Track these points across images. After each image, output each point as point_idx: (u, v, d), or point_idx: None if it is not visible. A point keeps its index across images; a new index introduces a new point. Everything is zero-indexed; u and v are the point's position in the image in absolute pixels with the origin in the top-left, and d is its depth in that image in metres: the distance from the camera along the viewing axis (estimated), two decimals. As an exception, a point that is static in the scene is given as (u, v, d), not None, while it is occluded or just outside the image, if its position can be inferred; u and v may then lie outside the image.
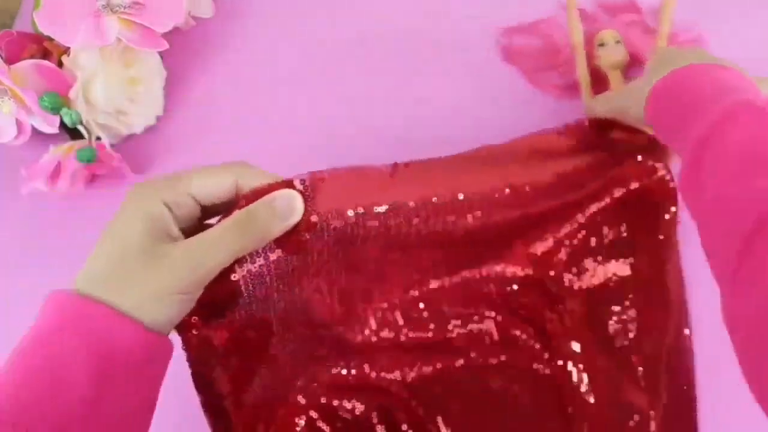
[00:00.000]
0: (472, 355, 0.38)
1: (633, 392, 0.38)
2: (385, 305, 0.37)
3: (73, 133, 0.51)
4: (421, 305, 0.38)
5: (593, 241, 0.40)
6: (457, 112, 0.52)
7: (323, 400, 0.36)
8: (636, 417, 0.38)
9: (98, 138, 0.50)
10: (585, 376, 0.37)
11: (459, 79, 0.54)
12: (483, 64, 0.56)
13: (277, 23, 0.59)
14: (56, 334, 0.27)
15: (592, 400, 0.37)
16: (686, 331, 0.40)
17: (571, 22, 0.52)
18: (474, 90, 0.53)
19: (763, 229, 0.25)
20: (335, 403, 0.36)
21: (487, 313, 0.38)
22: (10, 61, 0.48)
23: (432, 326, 0.38)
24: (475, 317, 0.38)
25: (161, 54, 0.54)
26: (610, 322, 0.39)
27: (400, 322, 0.37)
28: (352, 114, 0.54)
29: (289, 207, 0.31)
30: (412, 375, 0.37)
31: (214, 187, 0.31)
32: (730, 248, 0.27)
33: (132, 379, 0.29)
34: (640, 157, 0.40)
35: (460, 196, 0.37)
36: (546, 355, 0.38)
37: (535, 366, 0.38)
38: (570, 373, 0.38)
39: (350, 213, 0.34)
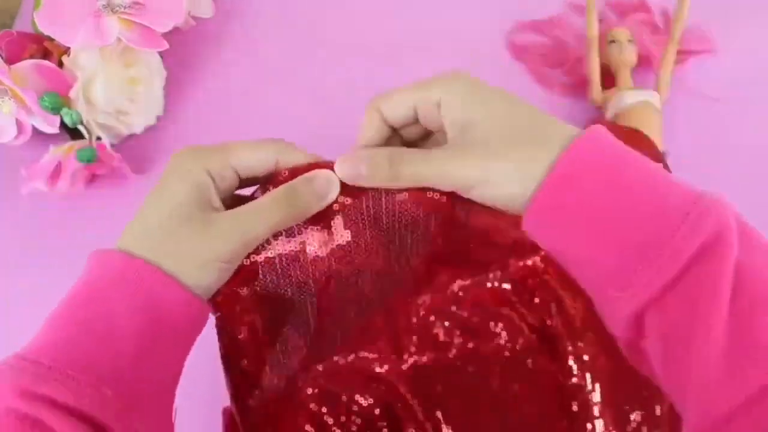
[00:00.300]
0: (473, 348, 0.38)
1: (636, 391, 0.38)
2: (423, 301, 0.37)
3: (74, 133, 0.51)
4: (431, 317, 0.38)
5: None
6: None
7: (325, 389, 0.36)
8: (639, 414, 0.38)
9: (98, 138, 0.50)
10: (588, 375, 0.37)
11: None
12: (488, 60, 0.56)
13: (277, 23, 0.59)
14: (107, 291, 0.28)
15: (597, 399, 0.37)
16: None
17: (589, 15, 0.52)
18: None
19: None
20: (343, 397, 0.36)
21: (492, 314, 0.38)
22: (10, 61, 0.48)
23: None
24: (475, 318, 0.38)
25: (161, 54, 0.54)
26: None
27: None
28: (354, 114, 0.54)
29: (327, 186, 0.31)
30: (410, 362, 0.37)
31: (257, 163, 0.32)
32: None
33: (175, 341, 0.30)
34: None
35: None
36: (549, 353, 0.38)
37: (538, 365, 0.38)
38: (572, 368, 0.38)
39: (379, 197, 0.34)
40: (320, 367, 0.36)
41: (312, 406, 0.36)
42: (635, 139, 0.41)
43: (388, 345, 0.37)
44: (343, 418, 0.36)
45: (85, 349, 0.27)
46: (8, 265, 0.51)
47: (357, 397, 0.36)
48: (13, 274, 0.51)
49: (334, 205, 0.33)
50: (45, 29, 0.48)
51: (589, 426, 0.37)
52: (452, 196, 0.32)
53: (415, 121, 0.32)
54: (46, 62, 0.49)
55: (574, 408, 0.38)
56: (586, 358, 0.38)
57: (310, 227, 0.33)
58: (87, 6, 0.48)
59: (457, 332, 0.38)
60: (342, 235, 0.34)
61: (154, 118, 0.54)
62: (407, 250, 0.36)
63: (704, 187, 0.47)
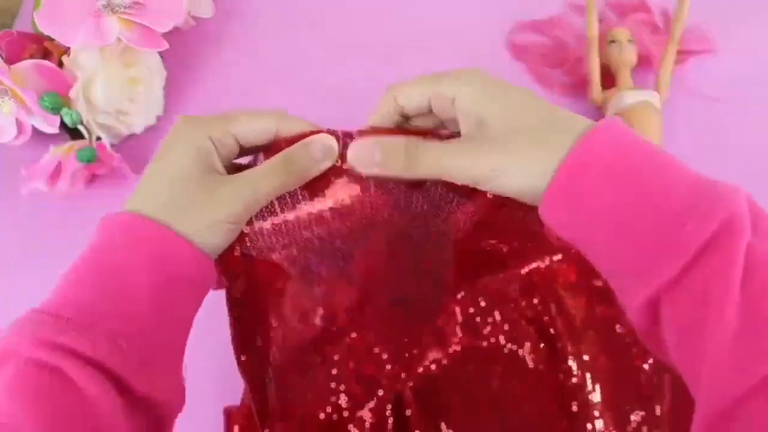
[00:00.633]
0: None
1: (636, 391, 0.38)
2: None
3: (74, 133, 0.51)
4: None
5: None
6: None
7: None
8: (639, 415, 0.38)
9: (98, 138, 0.50)
10: (588, 375, 0.38)
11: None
12: (488, 60, 0.56)
13: (277, 23, 0.59)
14: (122, 250, 0.29)
15: (597, 399, 0.37)
16: None
17: (589, 15, 0.52)
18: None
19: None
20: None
21: (493, 313, 0.38)
22: (10, 61, 0.48)
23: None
24: (478, 318, 0.38)
25: (161, 54, 0.54)
26: (617, 325, 0.39)
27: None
28: (354, 114, 0.54)
29: (324, 150, 0.32)
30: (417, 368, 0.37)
31: (258, 131, 0.32)
32: None
33: (188, 298, 0.31)
34: None
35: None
36: (549, 353, 0.38)
37: (538, 364, 0.38)
38: (571, 368, 0.38)
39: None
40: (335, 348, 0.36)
41: (332, 386, 0.36)
42: None
43: (398, 346, 0.37)
44: (358, 411, 0.36)
45: (102, 304, 0.28)
46: (8, 265, 0.51)
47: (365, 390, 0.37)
48: (13, 274, 0.51)
49: (337, 167, 0.33)
50: (45, 29, 0.48)
51: (589, 426, 0.37)
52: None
53: (429, 111, 0.33)
54: (46, 62, 0.49)
55: (574, 408, 0.38)
56: (586, 358, 0.38)
57: (311, 191, 0.33)
58: (87, 6, 0.48)
59: (458, 329, 0.38)
60: (344, 197, 0.34)
61: (154, 118, 0.54)
62: (417, 221, 0.35)
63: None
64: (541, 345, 0.38)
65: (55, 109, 0.48)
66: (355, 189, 0.34)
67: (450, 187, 0.33)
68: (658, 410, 0.38)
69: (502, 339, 0.38)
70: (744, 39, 0.54)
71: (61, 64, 0.51)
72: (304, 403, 0.37)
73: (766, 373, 0.22)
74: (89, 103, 0.50)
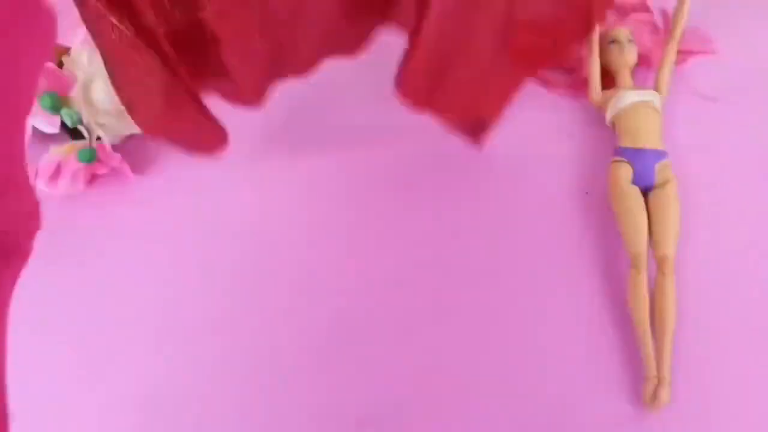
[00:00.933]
0: None
1: None
2: None
3: (74, 134, 0.51)
4: None
5: None
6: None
7: None
8: None
9: (99, 138, 0.50)
10: None
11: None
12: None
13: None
14: None
15: None
16: None
17: None
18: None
19: None
20: None
21: None
22: (10, 61, 0.48)
23: None
24: None
25: (161, 54, 0.54)
26: None
27: None
28: (356, 110, 0.54)
29: None
30: None
31: None
32: None
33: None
34: None
35: None
36: None
37: None
38: None
39: None
40: None
41: None
42: None
43: None
44: None
45: None
46: (8, 265, 0.51)
47: None
48: (13, 274, 0.51)
49: None
50: (45, 29, 0.48)
51: None
52: None
53: None
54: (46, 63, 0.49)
55: None
56: None
57: None
58: (87, 6, 0.48)
59: None
60: None
61: (154, 118, 0.54)
62: None
63: (704, 186, 0.47)
64: None
65: (55, 110, 0.48)
66: None
67: None
68: None
69: None
70: (744, 39, 0.54)
71: (61, 65, 0.51)
72: None
73: None
74: (89, 104, 0.50)
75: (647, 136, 0.48)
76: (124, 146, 0.54)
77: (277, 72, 0.45)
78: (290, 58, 0.44)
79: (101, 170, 0.52)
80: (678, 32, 0.51)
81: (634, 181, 0.47)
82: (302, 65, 0.45)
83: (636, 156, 0.48)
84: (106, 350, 0.47)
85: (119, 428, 0.45)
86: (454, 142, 0.49)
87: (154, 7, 0.36)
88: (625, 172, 0.47)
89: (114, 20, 0.36)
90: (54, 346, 0.46)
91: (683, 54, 0.53)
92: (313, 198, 0.52)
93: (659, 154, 0.48)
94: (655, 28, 0.55)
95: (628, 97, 0.49)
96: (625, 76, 0.51)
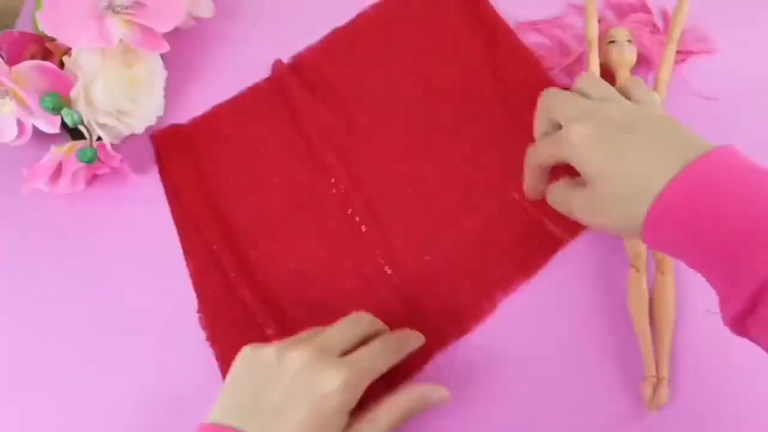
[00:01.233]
0: None
1: None
2: None
3: (74, 134, 0.51)
4: None
5: None
6: (458, 111, 0.52)
7: None
8: None
9: (99, 138, 0.50)
10: None
11: (459, 79, 0.54)
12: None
13: (277, 23, 0.59)
14: None
15: None
16: None
17: (588, 17, 0.52)
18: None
19: None
20: None
21: None
22: (11, 61, 0.48)
23: None
24: None
25: (162, 54, 0.54)
26: None
27: None
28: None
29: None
30: None
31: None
32: None
33: None
34: None
35: None
36: None
37: None
38: None
39: None
40: None
41: None
42: None
43: None
44: None
45: None
46: (8, 265, 0.51)
47: None
48: (13, 274, 0.51)
49: None
50: (47, 30, 0.49)
51: None
52: None
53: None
54: (46, 63, 0.49)
55: None
56: None
57: None
58: (88, 6, 0.49)
59: None
60: None
61: (155, 118, 0.54)
62: None
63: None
64: None
65: (56, 110, 0.48)
66: None
67: None
68: None
69: None
70: (744, 39, 0.54)
71: (62, 65, 0.51)
72: None
73: None
74: (90, 104, 0.50)
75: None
76: (125, 146, 0.54)
77: None
78: None
79: (102, 170, 0.52)
80: (677, 32, 0.51)
81: (634, 181, 0.47)
82: None
83: (636, 156, 0.48)
84: (107, 349, 0.47)
85: (119, 427, 0.45)
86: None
87: None
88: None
89: None
90: (54, 346, 0.46)
91: (683, 54, 0.53)
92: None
93: (659, 154, 0.48)
94: (655, 28, 0.55)
95: (627, 97, 0.49)
96: (624, 77, 0.51)
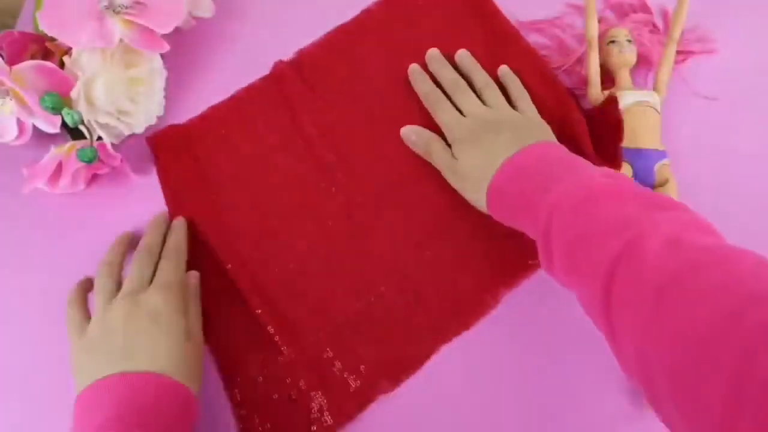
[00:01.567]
0: None
1: None
2: None
3: (75, 133, 0.51)
4: None
5: None
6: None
7: None
8: None
9: (99, 138, 0.50)
10: None
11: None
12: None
13: (277, 23, 0.59)
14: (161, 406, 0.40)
15: None
16: None
17: (588, 16, 0.52)
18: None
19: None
20: None
21: None
22: (11, 61, 0.48)
23: None
24: None
25: (162, 54, 0.54)
26: None
27: None
28: (353, 114, 0.54)
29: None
30: None
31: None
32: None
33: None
34: None
35: None
36: None
37: None
38: None
39: None
40: None
41: None
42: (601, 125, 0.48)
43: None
44: None
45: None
46: (8, 265, 0.51)
47: None
48: (13, 274, 0.51)
49: None
50: (48, 30, 0.48)
51: None
52: None
53: None
54: (47, 63, 0.49)
55: None
56: None
57: None
58: (89, 6, 0.48)
59: None
60: None
61: (155, 118, 0.54)
62: None
63: (704, 186, 0.47)
64: None
65: (56, 110, 0.48)
66: None
67: None
68: None
69: None
70: (744, 39, 0.54)
71: (62, 65, 0.51)
72: None
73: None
74: (90, 104, 0.50)
75: (646, 136, 0.48)
76: (125, 146, 0.54)
77: None
78: None
79: (102, 170, 0.52)
80: (677, 32, 0.51)
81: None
82: None
83: (635, 156, 0.48)
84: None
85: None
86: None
87: None
88: (624, 171, 0.47)
89: None
90: (54, 345, 0.46)
91: (683, 54, 0.53)
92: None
93: (659, 154, 0.48)
94: (655, 28, 0.55)
95: (627, 97, 0.49)
96: (624, 77, 0.51)
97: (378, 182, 0.51)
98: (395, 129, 0.52)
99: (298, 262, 0.49)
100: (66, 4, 0.49)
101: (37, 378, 0.47)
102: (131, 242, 0.50)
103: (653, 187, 0.48)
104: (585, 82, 0.52)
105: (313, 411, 0.44)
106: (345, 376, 0.45)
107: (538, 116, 0.48)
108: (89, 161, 0.49)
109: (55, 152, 0.50)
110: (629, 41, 0.52)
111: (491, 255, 0.48)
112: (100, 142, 0.50)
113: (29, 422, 0.46)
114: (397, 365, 0.45)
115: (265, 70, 0.56)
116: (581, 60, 0.54)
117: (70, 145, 0.50)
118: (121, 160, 0.51)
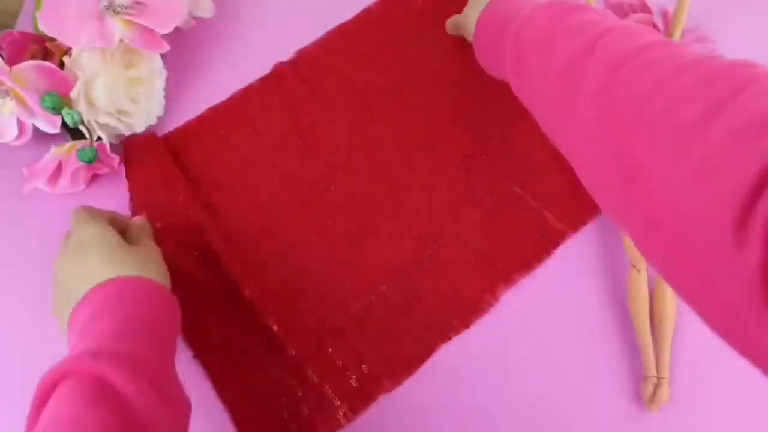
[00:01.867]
0: None
1: None
2: None
3: (74, 133, 0.51)
4: None
5: None
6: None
7: None
8: None
9: (99, 138, 0.50)
10: None
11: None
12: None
13: (277, 23, 0.59)
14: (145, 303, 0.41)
15: None
16: None
17: None
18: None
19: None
20: None
21: None
22: (11, 61, 0.48)
23: None
24: None
25: (162, 54, 0.54)
26: None
27: None
28: (353, 114, 0.54)
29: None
30: None
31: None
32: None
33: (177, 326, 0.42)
34: None
35: None
36: None
37: None
38: None
39: None
40: None
41: None
42: None
43: None
44: None
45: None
46: (8, 265, 0.51)
47: None
48: (13, 274, 0.51)
49: None
50: (48, 30, 0.48)
51: None
52: None
53: None
54: (47, 63, 0.49)
55: None
56: None
57: None
58: (89, 6, 0.48)
59: None
60: None
61: (155, 118, 0.54)
62: None
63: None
64: None
65: (56, 110, 0.48)
66: None
67: None
68: None
69: None
70: (743, 39, 0.54)
71: (62, 65, 0.51)
72: None
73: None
74: (90, 104, 0.50)
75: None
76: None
77: None
78: None
79: (102, 170, 0.52)
80: (677, 32, 0.51)
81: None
82: None
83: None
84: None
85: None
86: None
87: None
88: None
89: None
90: (54, 345, 0.46)
91: (683, 54, 0.53)
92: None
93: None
94: (654, 28, 0.55)
95: (628, 97, 0.49)
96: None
97: (378, 182, 0.51)
98: (395, 129, 0.52)
99: (299, 262, 0.49)
100: (66, 4, 0.49)
101: (37, 378, 0.47)
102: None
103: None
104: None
105: (316, 409, 0.44)
106: (347, 374, 0.45)
107: None
108: (89, 161, 0.49)
109: (55, 152, 0.50)
110: (629, 41, 0.52)
111: (491, 254, 0.48)
112: (99, 142, 0.50)
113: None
114: (398, 364, 0.45)
115: (265, 70, 0.56)
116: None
117: (70, 145, 0.50)
118: (120, 161, 0.51)
